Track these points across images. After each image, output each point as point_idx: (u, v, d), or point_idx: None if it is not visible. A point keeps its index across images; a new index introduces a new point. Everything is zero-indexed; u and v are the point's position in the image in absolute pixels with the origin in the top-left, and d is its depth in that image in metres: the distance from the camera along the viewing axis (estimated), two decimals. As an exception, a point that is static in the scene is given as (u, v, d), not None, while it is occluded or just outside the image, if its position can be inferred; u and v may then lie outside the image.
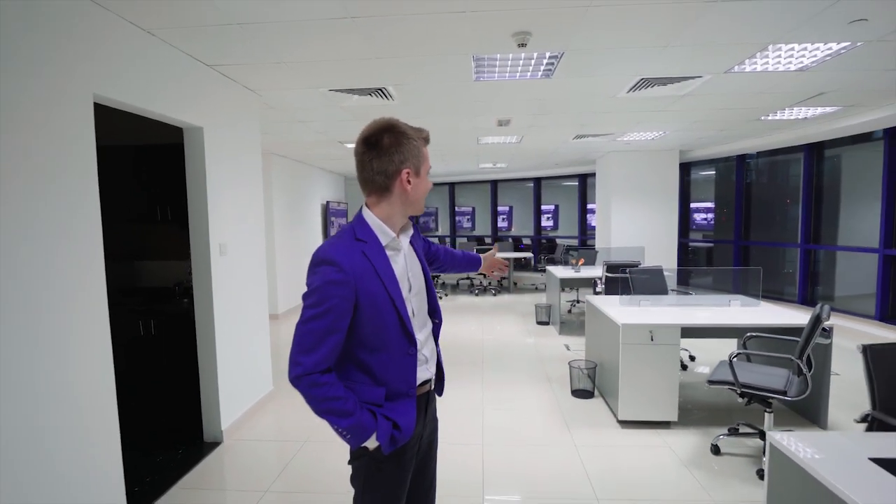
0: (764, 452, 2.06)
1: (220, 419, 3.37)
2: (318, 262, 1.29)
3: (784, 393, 2.82)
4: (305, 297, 1.28)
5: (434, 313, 1.55)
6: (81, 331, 2.22)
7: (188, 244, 3.30)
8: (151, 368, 3.49)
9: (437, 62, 3.35)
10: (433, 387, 1.54)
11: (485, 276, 9.52)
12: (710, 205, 8.99)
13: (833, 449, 1.61)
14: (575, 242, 11.12)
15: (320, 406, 1.27)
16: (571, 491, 2.73)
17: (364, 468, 1.39)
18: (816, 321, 2.75)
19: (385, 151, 1.33)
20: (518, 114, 5.01)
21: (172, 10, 2.45)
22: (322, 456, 3.15)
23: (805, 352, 2.79)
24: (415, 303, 1.45)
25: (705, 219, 9.16)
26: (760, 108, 4.85)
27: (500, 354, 5.43)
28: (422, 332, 1.46)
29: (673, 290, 5.42)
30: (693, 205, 9.22)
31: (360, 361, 1.34)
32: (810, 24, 2.76)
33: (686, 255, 9.32)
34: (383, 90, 4.00)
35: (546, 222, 12.46)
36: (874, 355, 2.10)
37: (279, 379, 4.40)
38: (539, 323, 6.88)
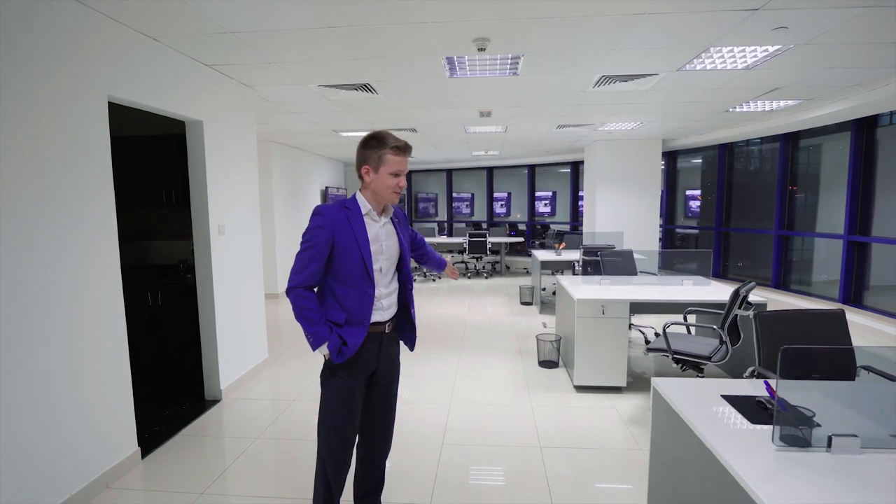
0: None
1: (220, 380, 3.82)
2: (314, 214, 1.88)
3: (709, 358, 3.21)
4: (303, 235, 1.88)
5: (407, 280, 2.08)
6: (101, 302, 2.66)
7: (191, 225, 3.73)
8: (158, 335, 3.94)
9: (412, 63, 3.71)
10: (388, 330, 2.03)
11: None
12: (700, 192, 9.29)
13: (696, 389, 2.01)
14: (568, 228, 11.46)
15: (299, 312, 1.83)
16: (518, 441, 3.15)
17: (325, 374, 1.97)
18: (735, 296, 3.13)
19: (360, 151, 1.94)
20: (497, 106, 5.35)
21: (173, 21, 2.83)
22: (307, 411, 3.60)
23: (726, 322, 3.17)
24: (384, 264, 1.97)
25: (699, 206, 9.46)
26: (723, 101, 5.16)
27: (481, 331, 5.85)
28: (385, 287, 1.99)
29: (650, 273, 5.77)
30: (688, 192, 9.51)
31: (333, 290, 1.90)
32: (737, 30, 3.08)
33: (672, 240, 9.64)
34: (367, 86, 4.36)
35: (544, 208, 12.77)
36: (762, 321, 2.47)
37: (274, 349, 4.86)
38: (523, 303, 7.29)
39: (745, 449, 1.52)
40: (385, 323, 2.00)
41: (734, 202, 8.24)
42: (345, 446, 1.97)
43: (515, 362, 4.68)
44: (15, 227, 2.17)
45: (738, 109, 5.63)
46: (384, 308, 1.98)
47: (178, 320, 3.89)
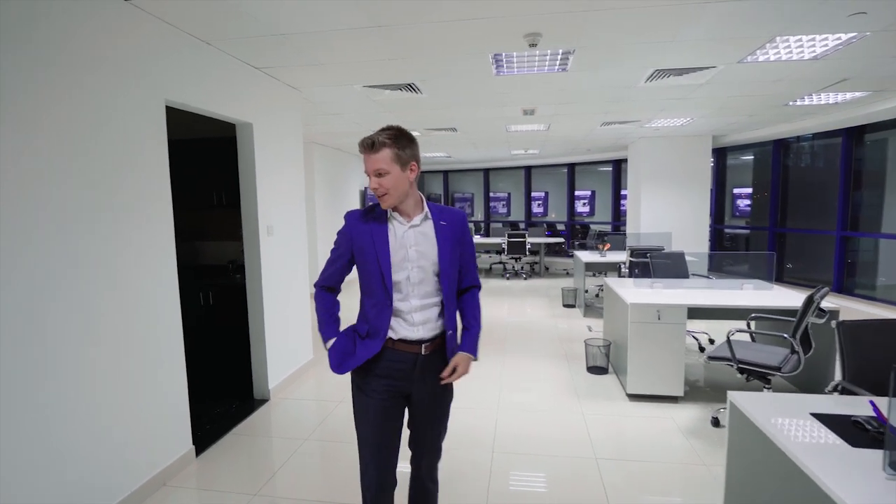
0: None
1: (268, 380, 3.85)
2: (344, 220, 1.83)
3: (778, 369, 3.01)
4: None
5: (445, 296, 1.77)
6: (158, 302, 2.70)
7: (240, 226, 3.77)
8: (208, 334, 4.01)
9: (458, 60, 3.64)
10: (425, 352, 1.75)
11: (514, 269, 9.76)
12: (751, 191, 8.83)
13: (781, 406, 1.85)
14: (609, 228, 11.16)
15: (316, 307, 1.87)
16: (573, 451, 3.03)
17: (351, 384, 1.88)
18: (809, 302, 2.92)
19: None
20: (542, 103, 5.22)
21: (223, 24, 2.85)
22: (352, 414, 3.57)
23: (798, 331, 2.96)
24: (414, 273, 1.71)
25: (749, 205, 9.02)
26: (784, 94, 4.87)
27: (524, 334, 5.72)
28: (419, 300, 1.73)
29: (702, 276, 5.51)
30: (736, 190, 9.07)
31: (362, 303, 1.82)
32: (809, 17, 2.87)
33: (721, 241, 9.23)
34: (412, 85, 4.32)
35: (583, 208, 12.50)
36: (846, 331, 2.28)
37: (318, 349, 4.88)
38: (565, 306, 7.11)
39: (848, 475, 1.37)
40: (419, 343, 1.73)
41: (790, 201, 7.80)
42: (375, 458, 1.82)
43: (562, 367, 4.55)
44: (82, 231, 2.21)
45: (798, 103, 5.31)
46: (415, 323, 1.73)
47: (227, 319, 3.94)
